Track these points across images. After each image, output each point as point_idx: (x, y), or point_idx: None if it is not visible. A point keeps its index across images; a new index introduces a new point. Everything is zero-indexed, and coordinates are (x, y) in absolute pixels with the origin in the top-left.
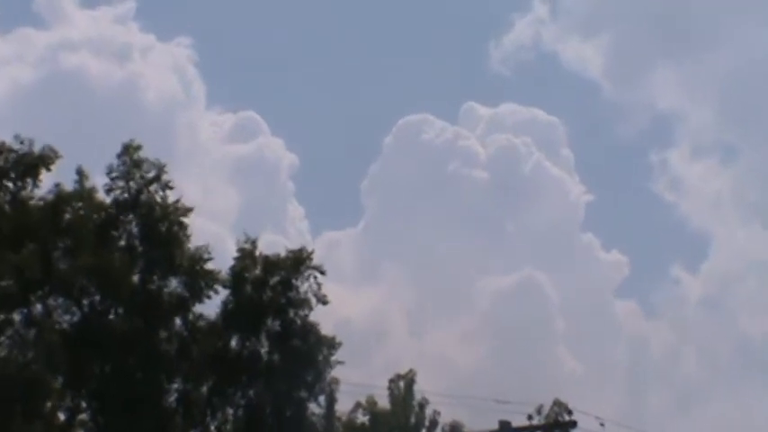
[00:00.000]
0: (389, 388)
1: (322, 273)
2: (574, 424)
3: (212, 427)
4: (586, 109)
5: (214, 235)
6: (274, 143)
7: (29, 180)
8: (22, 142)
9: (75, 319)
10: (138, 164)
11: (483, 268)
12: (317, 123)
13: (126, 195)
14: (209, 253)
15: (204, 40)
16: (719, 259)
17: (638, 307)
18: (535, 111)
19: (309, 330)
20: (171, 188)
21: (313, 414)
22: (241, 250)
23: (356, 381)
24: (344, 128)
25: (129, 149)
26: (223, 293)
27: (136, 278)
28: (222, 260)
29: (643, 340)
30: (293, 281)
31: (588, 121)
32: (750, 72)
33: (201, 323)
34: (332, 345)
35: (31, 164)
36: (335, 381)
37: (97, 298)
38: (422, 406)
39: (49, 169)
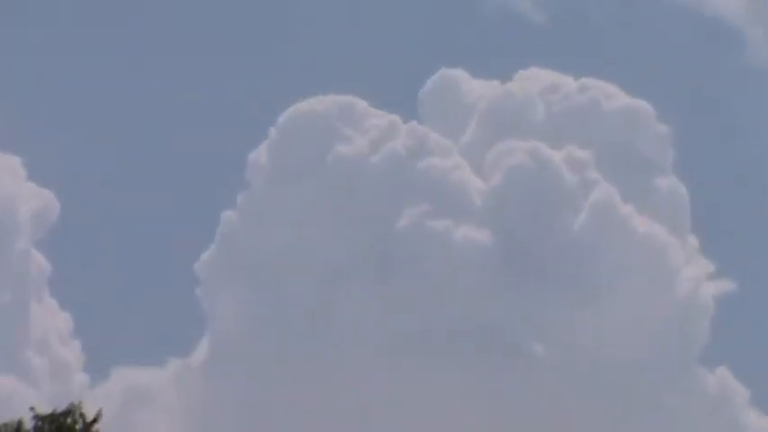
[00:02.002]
0: None
1: None
2: None
3: None
4: (712, 87)
5: None
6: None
7: None
8: None
9: None
10: None
11: None
12: (98, 115)
13: None
14: None
15: None
16: None
17: None
18: (598, 84)
19: None
20: None
21: None
22: None
23: None
24: (168, 124)
25: None
26: None
27: None
28: None
29: None
30: None
31: (717, 116)
32: None
33: None
34: None
35: None
36: None
37: None
38: None
39: None
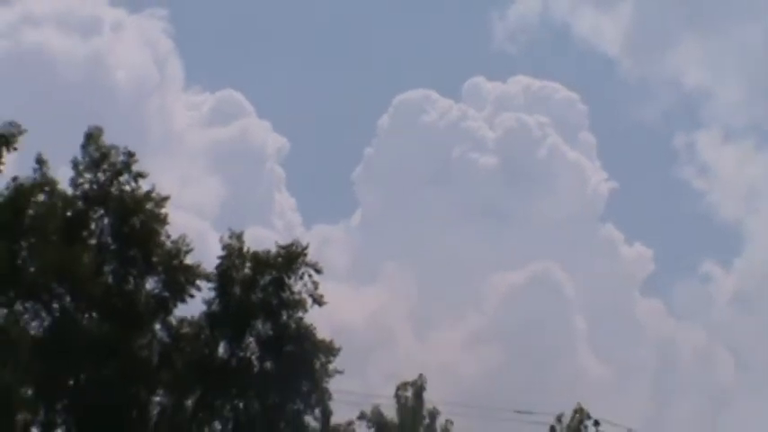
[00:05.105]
0: (396, 396)
1: (318, 271)
2: None
3: None
4: (604, 87)
5: (195, 231)
6: (260, 126)
7: None
8: None
9: (45, 324)
10: (105, 153)
11: (493, 263)
12: (306, 102)
13: (94, 187)
14: (187, 245)
15: (181, 11)
16: (755, 253)
17: (664, 306)
18: (552, 85)
19: (304, 334)
20: (143, 177)
21: (308, 427)
22: (226, 247)
23: (356, 389)
24: (337, 106)
25: (92, 138)
26: (206, 292)
27: (109, 278)
28: (206, 259)
29: (670, 342)
30: (286, 280)
31: (608, 101)
32: None
33: (185, 329)
34: (330, 350)
35: None
36: (327, 392)
37: (68, 301)
38: (432, 416)
39: (13, 149)
